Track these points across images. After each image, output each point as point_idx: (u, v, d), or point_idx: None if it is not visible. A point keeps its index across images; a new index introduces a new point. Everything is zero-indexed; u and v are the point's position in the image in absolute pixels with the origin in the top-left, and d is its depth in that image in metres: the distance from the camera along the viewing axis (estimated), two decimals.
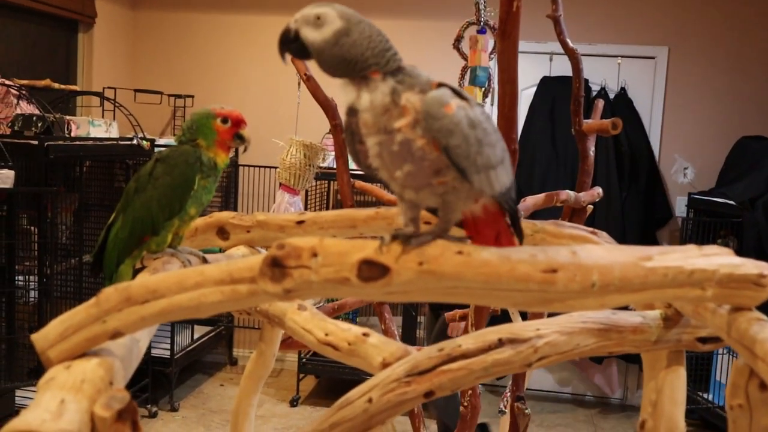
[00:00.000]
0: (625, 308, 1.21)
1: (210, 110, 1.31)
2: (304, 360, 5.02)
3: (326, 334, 1.31)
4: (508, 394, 2.28)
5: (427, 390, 1.08)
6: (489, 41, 2.35)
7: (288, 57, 0.97)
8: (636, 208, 5.11)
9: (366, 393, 1.11)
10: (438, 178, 0.91)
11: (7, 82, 3.96)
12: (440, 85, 0.91)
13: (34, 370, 3.72)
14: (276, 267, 0.87)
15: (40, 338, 0.93)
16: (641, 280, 0.90)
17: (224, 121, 1.30)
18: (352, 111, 0.92)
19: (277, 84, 5.48)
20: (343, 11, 0.93)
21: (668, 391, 1.25)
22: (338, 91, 0.96)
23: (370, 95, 0.89)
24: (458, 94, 0.92)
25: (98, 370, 0.87)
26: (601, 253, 0.91)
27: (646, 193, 5.14)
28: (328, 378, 5.29)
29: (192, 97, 5.52)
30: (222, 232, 1.54)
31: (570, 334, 1.14)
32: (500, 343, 1.10)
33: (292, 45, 0.95)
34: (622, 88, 5.17)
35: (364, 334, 1.25)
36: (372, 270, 0.85)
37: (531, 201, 2.03)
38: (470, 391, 2.03)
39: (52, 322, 0.94)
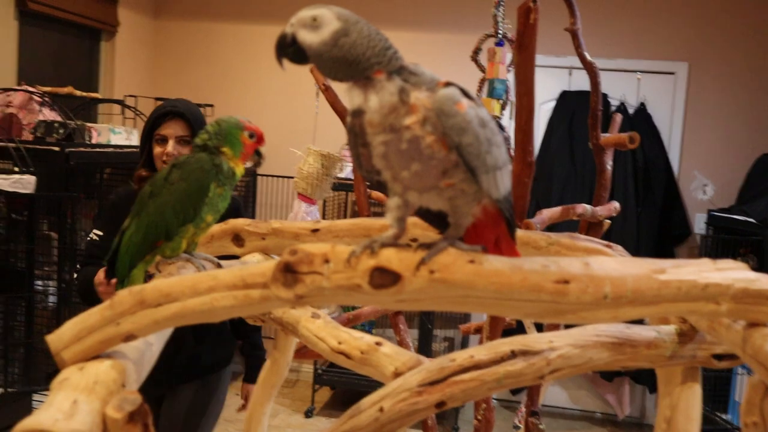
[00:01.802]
0: (640, 322, 1.20)
1: (239, 121, 1.34)
2: (319, 371, 5.01)
3: (339, 343, 1.31)
4: (523, 409, 2.27)
5: (438, 400, 1.08)
6: (507, 54, 2.36)
7: (286, 63, 0.95)
8: (653, 224, 5.07)
9: (377, 402, 1.11)
10: (445, 180, 0.90)
11: (30, 88, 4.02)
12: (448, 84, 0.91)
13: (51, 374, 3.72)
14: (288, 272, 0.87)
15: (54, 339, 0.94)
16: (654, 292, 0.89)
17: (251, 135, 1.35)
18: (358, 113, 0.91)
19: (296, 94, 5.51)
20: (340, 12, 0.92)
21: (683, 408, 1.23)
22: (344, 96, 0.95)
23: (377, 96, 0.89)
24: (465, 93, 0.92)
25: (111, 372, 0.88)
26: (614, 265, 0.90)
27: (664, 209, 5.10)
28: (344, 389, 5.28)
29: (212, 106, 5.56)
30: (237, 239, 1.55)
31: (583, 347, 1.13)
32: (513, 354, 1.10)
33: (289, 50, 0.93)
34: (642, 104, 5.14)
35: (377, 343, 1.25)
36: (384, 277, 0.85)
37: (547, 214, 2.02)
38: (484, 405, 2.02)
39: (67, 323, 0.95)
